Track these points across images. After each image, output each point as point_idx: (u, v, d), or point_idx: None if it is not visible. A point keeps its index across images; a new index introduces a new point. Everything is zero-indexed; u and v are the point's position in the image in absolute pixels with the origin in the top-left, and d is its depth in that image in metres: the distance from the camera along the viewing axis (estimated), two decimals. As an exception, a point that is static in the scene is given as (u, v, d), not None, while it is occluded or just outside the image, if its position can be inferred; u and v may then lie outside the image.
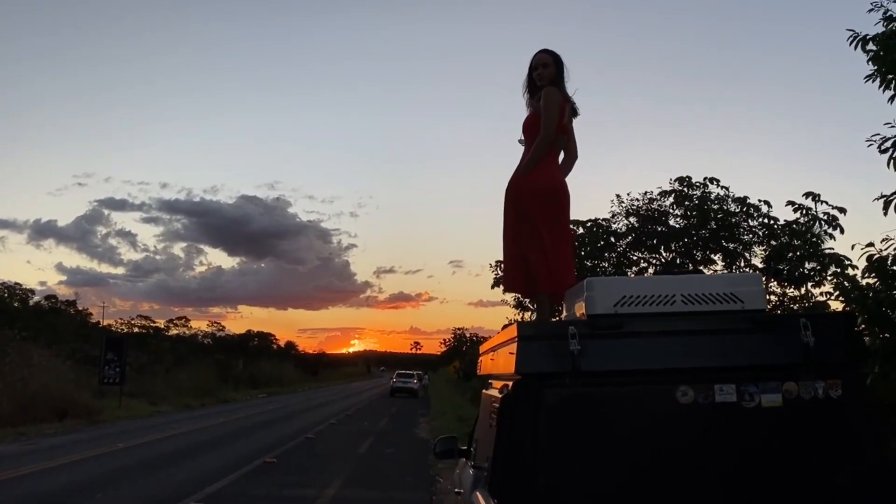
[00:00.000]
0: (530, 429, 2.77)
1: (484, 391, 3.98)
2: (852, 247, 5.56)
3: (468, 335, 63.82)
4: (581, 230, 11.91)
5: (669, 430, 2.76)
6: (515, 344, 2.82)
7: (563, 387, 2.75)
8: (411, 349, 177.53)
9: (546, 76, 4.14)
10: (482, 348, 4.80)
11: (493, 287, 12.18)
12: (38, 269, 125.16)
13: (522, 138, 4.22)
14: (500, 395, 2.99)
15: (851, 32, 5.83)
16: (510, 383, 2.95)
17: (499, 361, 3.36)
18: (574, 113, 4.26)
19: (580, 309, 3.07)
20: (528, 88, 4.28)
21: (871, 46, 5.70)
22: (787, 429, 2.74)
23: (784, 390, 2.74)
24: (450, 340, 75.78)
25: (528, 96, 4.30)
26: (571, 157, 4.33)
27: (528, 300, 11.78)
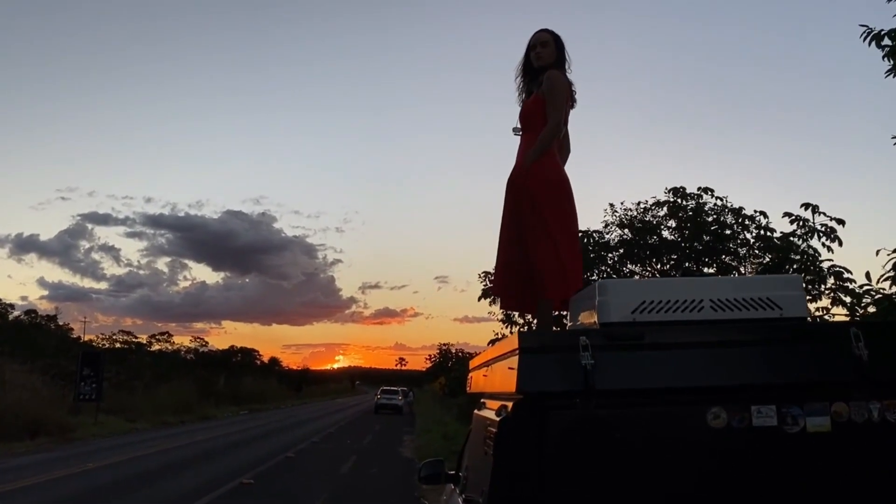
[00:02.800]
0: (534, 458, 2.33)
1: (476, 412, 3.53)
2: (878, 253, 5.20)
3: (454, 351, 63.21)
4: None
5: (698, 458, 2.32)
6: (516, 357, 2.38)
7: (574, 408, 2.32)
8: (396, 365, 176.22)
9: (545, 56, 3.74)
10: (473, 363, 4.35)
11: (480, 299, 11.68)
12: (19, 284, 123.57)
13: (518, 127, 3.81)
14: (496, 418, 2.54)
15: (865, 28, 5.51)
16: (509, 404, 2.50)
17: (494, 378, 2.92)
18: (574, 102, 3.87)
19: (590, 317, 2.64)
20: (523, 71, 3.87)
21: (886, 42, 5.38)
22: (836, 458, 2.32)
23: (833, 412, 2.32)
24: (435, 356, 75.09)
25: (521, 80, 3.89)
26: (566, 151, 3.93)
27: (517, 314, 11.33)
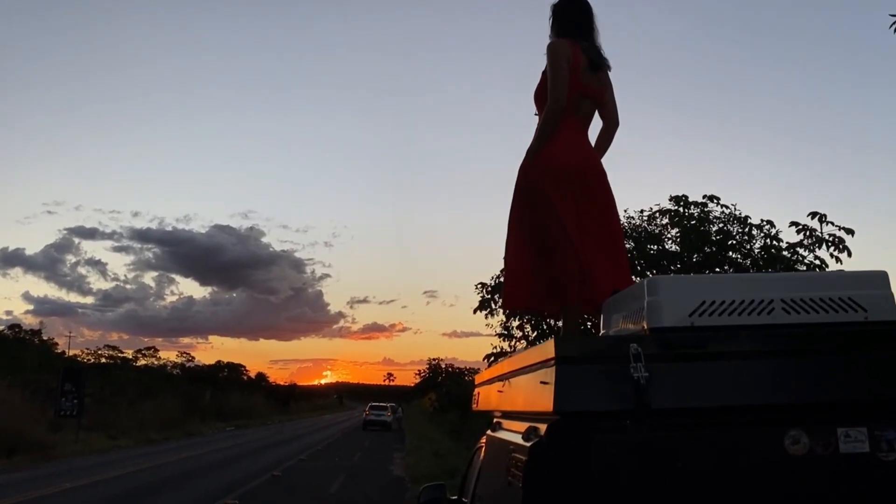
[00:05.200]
0: (574, 492, 1.91)
1: (490, 433, 3.08)
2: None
3: (444, 366, 62.55)
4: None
5: (774, 493, 1.90)
6: (552, 369, 1.95)
7: (624, 432, 1.90)
8: (384, 381, 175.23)
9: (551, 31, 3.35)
10: (481, 377, 3.92)
11: (476, 312, 11.19)
12: (4, 299, 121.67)
13: (537, 112, 3.40)
14: (524, 443, 2.11)
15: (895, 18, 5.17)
16: (542, 426, 2.07)
17: (516, 394, 2.50)
18: (599, 65, 3.36)
19: (635, 321, 2.22)
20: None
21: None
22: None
23: (936, 436, 1.91)
24: (425, 371, 74.33)
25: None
26: (609, 123, 3.45)
27: (517, 327, 10.87)
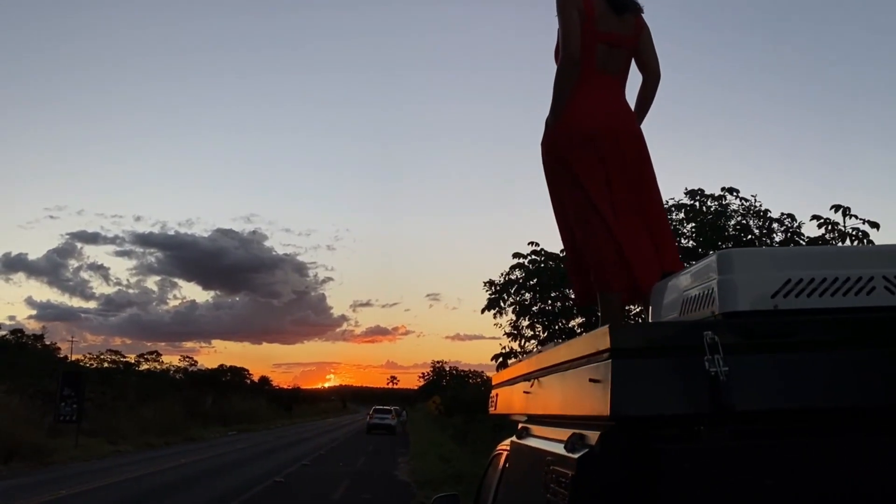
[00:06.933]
0: (636, 516, 1.53)
1: (515, 440, 2.70)
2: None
3: (448, 369, 62.16)
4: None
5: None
6: (605, 364, 1.57)
7: (698, 440, 1.52)
8: (388, 384, 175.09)
9: None
10: (502, 376, 3.52)
11: (484, 311, 10.83)
12: (7, 304, 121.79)
13: None
14: (570, 455, 1.72)
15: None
16: (591, 434, 1.69)
17: (551, 394, 2.11)
18: (624, 8, 2.88)
19: (701, 305, 1.84)
20: None
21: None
22: None
23: None
24: (428, 374, 74.00)
25: None
26: (648, 75, 2.99)
27: (525, 326, 10.48)
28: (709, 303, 1.77)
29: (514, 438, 2.74)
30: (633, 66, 2.98)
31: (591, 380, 1.66)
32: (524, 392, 2.57)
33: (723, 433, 1.52)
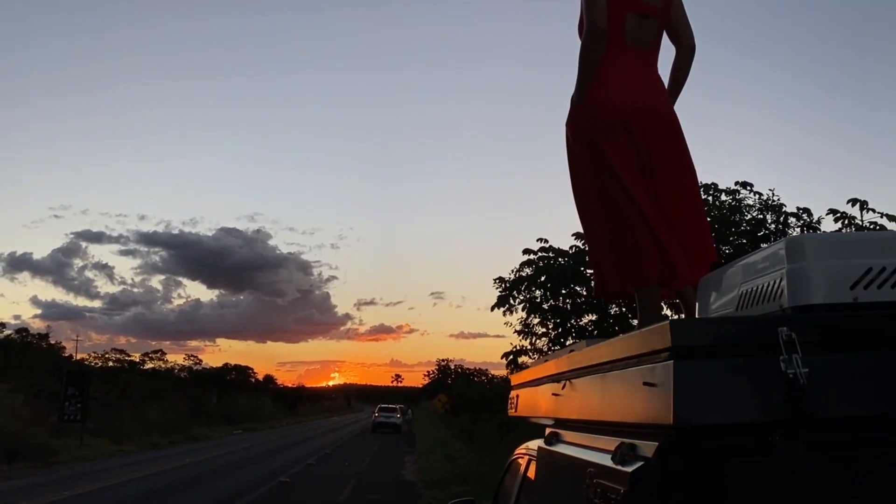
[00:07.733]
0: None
1: (544, 445, 2.50)
2: None
3: (453, 367, 62.00)
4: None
5: None
6: (667, 365, 1.37)
7: (773, 452, 1.33)
8: (392, 382, 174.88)
9: None
10: (520, 377, 3.33)
11: (493, 309, 10.63)
12: (12, 303, 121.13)
13: None
14: (621, 468, 1.53)
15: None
16: (646, 445, 1.49)
17: (590, 398, 1.92)
18: None
19: (765, 298, 1.64)
20: None
21: None
22: None
23: None
24: (433, 372, 73.84)
25: None
26: (681, 48, 2.74)
27: (536, 323, 10.28)
28: (775, 295, 1.58)
29: (541, 444, 2.55)
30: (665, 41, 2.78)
31: (645, 383, 1.46)
32: (553, 394, 2.37)
33: (801, 444, 1.32)
